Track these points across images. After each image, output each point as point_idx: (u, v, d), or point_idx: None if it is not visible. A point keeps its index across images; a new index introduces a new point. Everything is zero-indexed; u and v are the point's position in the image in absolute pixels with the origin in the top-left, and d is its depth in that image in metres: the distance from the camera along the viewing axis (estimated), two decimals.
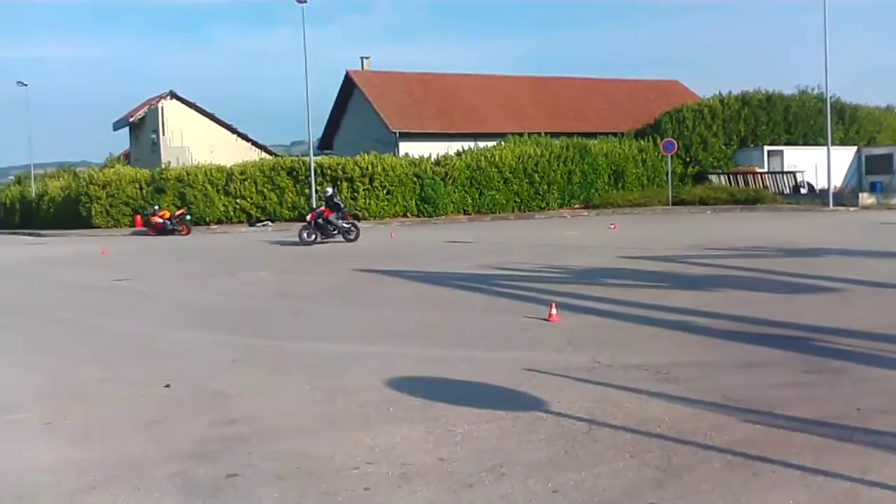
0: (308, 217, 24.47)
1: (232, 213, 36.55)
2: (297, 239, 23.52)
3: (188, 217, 33.66)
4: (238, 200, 36.49)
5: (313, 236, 23.48)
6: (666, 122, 42.69)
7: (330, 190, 26.00)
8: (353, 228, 23.94)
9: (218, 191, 36.59)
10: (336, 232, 23.67)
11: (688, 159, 41.98)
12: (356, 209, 33.48)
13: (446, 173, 37.54)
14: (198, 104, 47.32)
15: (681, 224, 26.17)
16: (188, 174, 36.89)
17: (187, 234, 32.47)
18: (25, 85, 55.07)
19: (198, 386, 6.58)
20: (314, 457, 4.71)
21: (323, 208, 24.26)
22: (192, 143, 44.52)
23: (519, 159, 38.61)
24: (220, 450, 4.89)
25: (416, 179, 37.17)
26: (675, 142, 39.43)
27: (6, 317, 11.49)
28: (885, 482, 4.10)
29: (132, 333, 9.58)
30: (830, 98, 37.77)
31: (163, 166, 39.17)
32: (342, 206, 24.83)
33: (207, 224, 35.88)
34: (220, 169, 37.05)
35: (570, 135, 42.09)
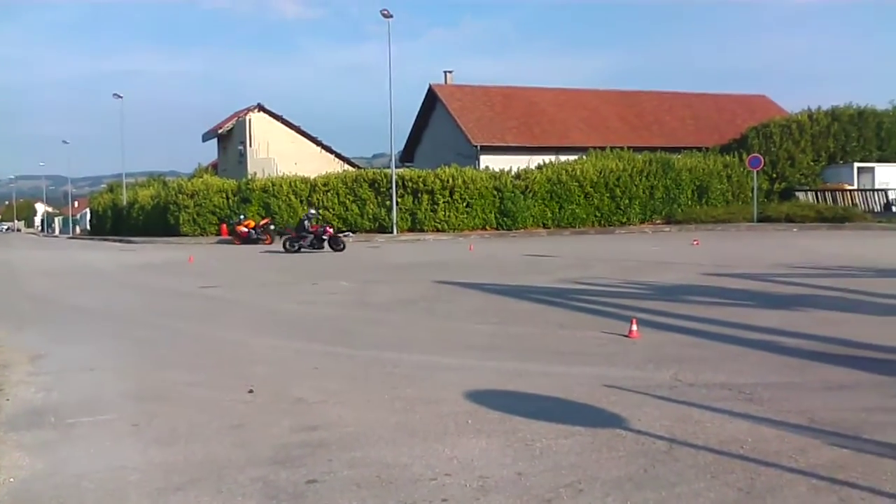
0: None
1: (315, 224, 37.13)
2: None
3: (272, 227, 34.36)
4: (321, 211, 37.09)
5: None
6: (752, 138, 41.95)
7: (312, 211, 30.44)
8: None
9: (301, 201, 37.31)
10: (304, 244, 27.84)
11: (774, 175, 41.14)
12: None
13: (526, 187, 37.54)
14: (284, 116, 48.30)
15: (766, 241, 25.61)
16: (273, 185, 37.70)
17: (271, 243, 33.12)
18: (120, 97, 57.07)
19: (280, 392, 6.71)
20: (393, 466, 4.75)
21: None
22: (278, 154, 45.44)
23: (600, 173, 38.40)
24: (300, 455, 4.97)
25: (496, 192, 37.25)
26: (761, 157, 38.68)
27: (98, 321, 11.91)
28: None
29: (217, 339, 9.82)
30: None
31: (249, 177, 40.09)
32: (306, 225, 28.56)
33: None
34: (304, 180, 37.78)
35: (653, 149, 41.76)
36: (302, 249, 27.55)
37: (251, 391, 6.73)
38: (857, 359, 7.63)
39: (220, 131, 50.85)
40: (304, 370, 7.67)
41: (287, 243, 28.01)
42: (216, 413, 6.10)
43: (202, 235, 38.27)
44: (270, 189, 37.58)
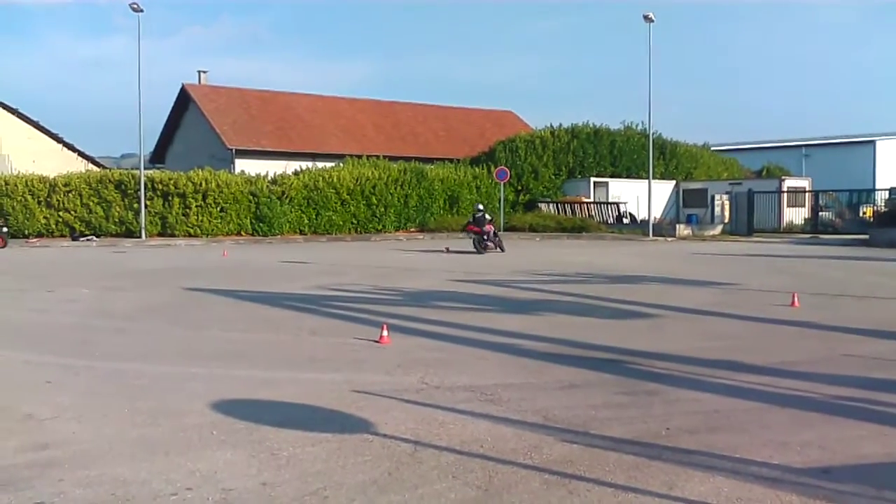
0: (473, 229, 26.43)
1: (54, 227, 34.75)
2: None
3: (5, 229, 31.69)
4: (61, 213, 34.75)
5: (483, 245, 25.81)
6: (500, 151, 44.06)
7: (480, 207, 28.07)
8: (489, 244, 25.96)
9: (39, 202, 34.71)
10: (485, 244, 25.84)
11: (519, 187, 43.42)
12: (188, 225, 33.28)
13: (283, 192, 37.15)
14: (20, 110, 44.75)
15: (510, 250, 26.89)
16: (6, 184, 34.80)
17: (3, 246, 30.52)
18: None
19: (6, 409, 6.21)
20: (130, 483, 4.54)
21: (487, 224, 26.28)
22: (13, 151, 42.04)
23: (357, 181, 38.74)
24: (27, 477, 4.63)
25: (251, 197, 36.55)
26: (507, 170, 40.74)
27: None
28: (688, 497, 4.35)
29: None
30: (653, 135, 40.16)
31: None
32: (484, 220, 26.37)
33: (26, 237, 33.94)
34: (42, 179, 35.18)
35: (407, 159, 42.76)
36: (487, 249, 25.62)
37: None
38: (588, 359, 8.22)
39: None
40: (35, 384, 7.15)
41: (478, 242, 25.91)
42: None
43: None
44: (3, 188, 34.65)
